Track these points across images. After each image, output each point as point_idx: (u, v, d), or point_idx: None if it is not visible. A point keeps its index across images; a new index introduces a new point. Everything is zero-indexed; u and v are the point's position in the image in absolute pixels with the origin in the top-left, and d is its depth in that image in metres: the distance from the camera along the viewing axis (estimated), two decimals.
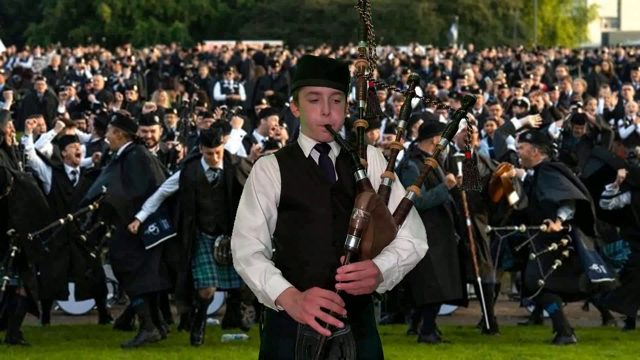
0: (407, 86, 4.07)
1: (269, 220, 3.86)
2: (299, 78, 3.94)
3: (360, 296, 3.79)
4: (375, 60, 4.09)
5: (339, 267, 3.72)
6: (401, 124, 4.03)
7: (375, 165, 3.95)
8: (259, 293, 3.77)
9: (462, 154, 10.23)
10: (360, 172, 3.84)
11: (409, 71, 22.76)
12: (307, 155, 3.92)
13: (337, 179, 3.90)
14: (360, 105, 4.03)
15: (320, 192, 3.86)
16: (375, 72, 4.11)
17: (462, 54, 35.43)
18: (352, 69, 9.06)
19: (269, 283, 3.73)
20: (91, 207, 10.08)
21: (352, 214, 3.73)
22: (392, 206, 3.88)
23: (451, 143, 11.27)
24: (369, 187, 3.83)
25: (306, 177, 3.88)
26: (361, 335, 3.82)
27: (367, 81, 4.03)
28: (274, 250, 3.93)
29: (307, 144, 3.94)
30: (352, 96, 11.62)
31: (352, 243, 3.72)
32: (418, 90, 4.15)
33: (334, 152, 3.94)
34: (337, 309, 3.65)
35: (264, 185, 3.86)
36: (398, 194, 3.92)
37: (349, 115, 3.99)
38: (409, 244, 3.84)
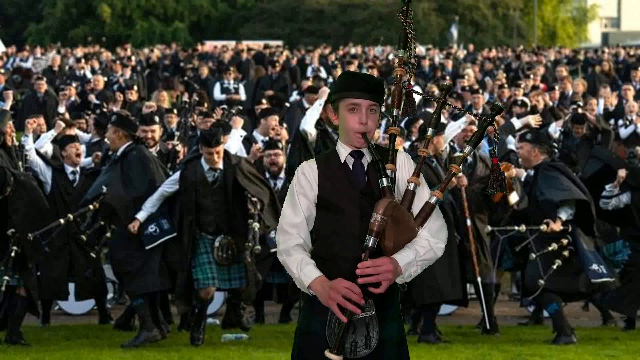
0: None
1: (308, 218, 4.42)
2: (340, 90, 4.43)
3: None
4: (414, 68, 4.54)
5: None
6: (430, 132, 4.48)
7: (403, 170, 4.45)
8: (296, 279, 4.36)
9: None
10: (384, 179, 4.34)
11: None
12: (342, 161, 4.43)
13: (367, 183, 4.39)
14: (395, 113, 4.49)
15: (351, 195, 4.38)
16: (406, 76, 4.51)
17: (462, 54, 35.43)
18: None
19: (303, 271, 4.33)
20: (91, 207, 10.08)
21: (371, 218, 4.26)
22: (417, 206, 4.39)
23: (451, 143, 11.28)
24: (390, 194, 4.33)
25: (339, 181, 4.41)
26: (383, 318, 4.37)
27: (404, 88, 4.49)
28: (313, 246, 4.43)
29: (343, 151, 4.45)
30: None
31: (370, 242, 4.27)
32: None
33: (367, 159, 4.44)
34: (356, 298, 4.24)
35: (304, 187, 4.42)
36: (423, 196, 4.42)
37: None
38: (426, 242, 4.36)
